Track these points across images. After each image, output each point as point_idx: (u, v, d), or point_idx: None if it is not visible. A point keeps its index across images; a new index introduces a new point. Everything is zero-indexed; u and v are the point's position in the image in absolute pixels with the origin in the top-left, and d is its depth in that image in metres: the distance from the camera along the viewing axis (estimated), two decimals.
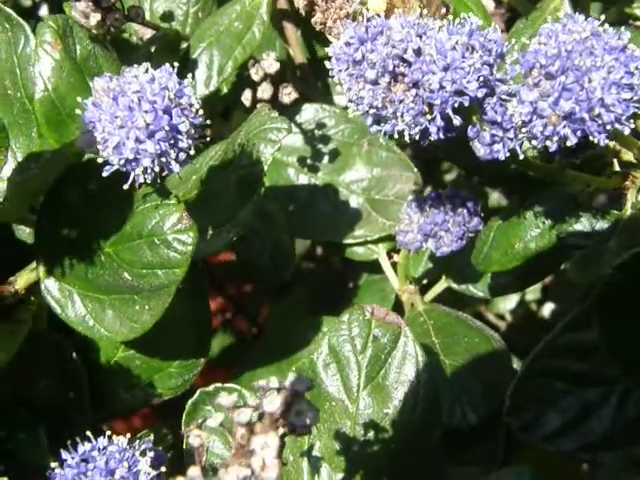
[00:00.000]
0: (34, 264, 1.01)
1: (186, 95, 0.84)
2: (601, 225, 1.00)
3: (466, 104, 0.81)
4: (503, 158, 0.85)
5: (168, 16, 1.35)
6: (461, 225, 1.13)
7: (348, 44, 0.82)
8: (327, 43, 0.91)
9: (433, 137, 0.83)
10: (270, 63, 1.34)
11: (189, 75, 0.88)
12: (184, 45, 1.29)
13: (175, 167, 0.84)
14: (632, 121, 0.76)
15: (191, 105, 0.84)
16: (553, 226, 1.02)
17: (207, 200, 1.03)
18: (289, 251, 1.40)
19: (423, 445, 0.96)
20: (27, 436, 1.04)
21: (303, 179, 1.41)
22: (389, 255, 1.39)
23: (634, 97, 0.74)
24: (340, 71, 0.83)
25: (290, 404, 0.63)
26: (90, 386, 1.09)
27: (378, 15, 0.84)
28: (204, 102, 0.86)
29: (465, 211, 1.14)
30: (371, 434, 0.93)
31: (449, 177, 1.84)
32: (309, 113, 1.40)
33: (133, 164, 0.83)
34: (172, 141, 0.82)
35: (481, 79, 0.80)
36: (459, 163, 1.24)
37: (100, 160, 0.85)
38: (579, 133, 0.76)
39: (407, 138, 0.84)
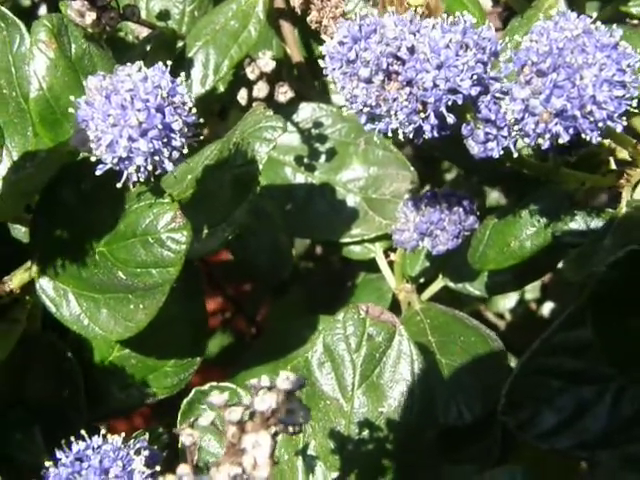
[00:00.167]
0: (29, 263, 1.01)
1: (179, 93, 0.84)
2: (596, 223, 0.99)
3: (460, 102, 0.81)
4: (497, 156, 0.85)
5: (164, 15, 1.35)
6: (457, 224, 1.13)
7: (342, 43, 0.82)
8: (324, 41, 0.91)
9: (427, 135, 0.83)
10: (266, 62, 1.34)
11: (184, 74, 0.88)
12: (180, 44, 1.29)
13: (168, 166, 0.84)
14: (624, 118, 0.76)
15: (184, 103, 0.84)
16: (548, 224, 1.02)
17: (202, 199, 1.03)
18: (286, 250, 1.40)
19: (418, 443, 0.96)
20: (22, 435, 1.04)
21: (300, 178, 1.41)
22: (386, 254, 1.39)
23: (626, 94, 0.74)
24: (334, 70, 0.83)
25: (281, 403, 0.63)
26: (85, 385, 1.09)
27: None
28: (200, 101, 0.86)
29: (461, 210, 1.14)
30: (366, 433, 0.93)
31: (449, 176, 1.84)
32: (306, 112, 1.40)
33: (126, 162, 0.83)
34: (165, 139, 0.82)
35: (475, 77, 0.80)
36: (455, 162, 1.24)
37: (93, 159, 0.85)
38: (571, 130, 0.76)
39: (401, 136, 0.84)
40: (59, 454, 0.85)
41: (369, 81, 0.81)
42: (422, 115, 0.82)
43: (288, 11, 1.36)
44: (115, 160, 0.83)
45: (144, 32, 1.31)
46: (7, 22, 1.06)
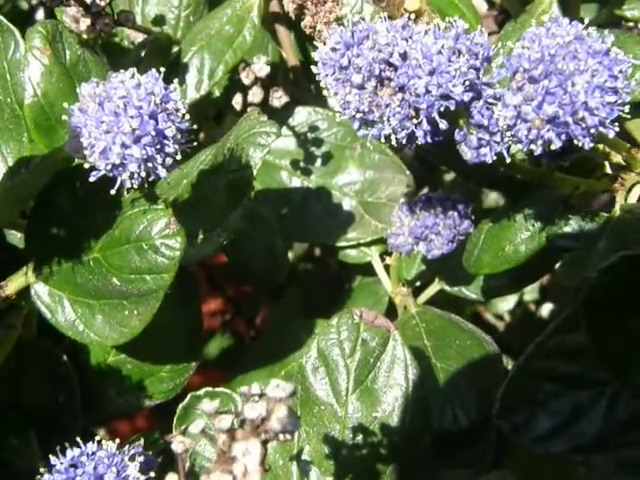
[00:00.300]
0: (24, 269, 1.01)
1: (172, 100, 0.84)
2: (590, 227, 0.99)
3: (452, 108, 0.81)
4: (490, 161, 0.85)
5: (160, 20, 1.35)
6: (452, 228, 1.14)
7: (334, 49, 0.82)
8: (318, 46, 0.91)
9: (420, 141, 0.84)
10: (260, 67, 1.34)
11: (177, 79, 0.88)
12: (175, 49, 1.29)
13: (162, 172, 0.84)
14: (616, 124, 0.76)
15: (177, 110, 0.84)
16: (543, 228, 1.02)
17: (197, 204, 1.04)
18: (282, 254, 1.40)
19: (413, 448, 0.96)
20: (19, 440, 1.04)
21: (296, 182, 1.41)
22: (382, 257, 1.39)
23: (618, 100, 0.74)
24: (327, 76, 0.83)
25: (271, 411, 0.63)
26: (81, 390, 1.09)
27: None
28: (195, 106, 0.86)
29: (456, 214, 1.14)
30: (360, 438, 0.94)
31: (449, 177, 1.84)
32: (302, 116, 1.40)
33: (120, 169, 0.83)
34: (158, 146, 0.83)
35: (467, 83, 0.80)
36: (450, 166, 1.24)
37: (87, 165, 0.85)
38: (563, 137, 0.76)
39: (394, 142, 0.84)
40: (54, 460, 0.85)
41: (362, 87, 0.82)
42: (415, 121, 0.82)
43: (284, 15, 1.36)
44: (109, 167, 0.83)
45: (139, 37, 1.31)
46: (2, 28, 1.07)
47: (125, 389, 1.11)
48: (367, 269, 1.45)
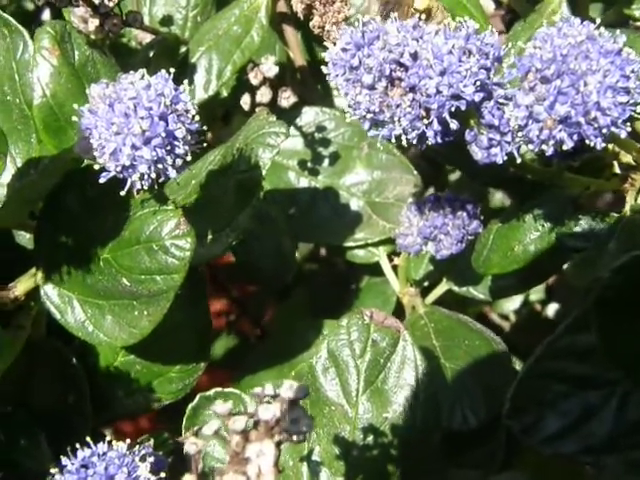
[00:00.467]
0: (34, 270, 1.01)
1: (182, 101, 0.84)
2: (600, 227, 0.99)
3: (463, 108, 0.81)
4: (501, 162, 0.85)
5: (167, 20, 1.35)
6: (460, 228, 1.13)
7: (344, 50, 0.82)
8: (327, 46, 0.91)
9: (430, 141, 0.83)
10: (269, 67, 1.34)
11: (187, 80, 0.88)
12: (183, 49, 1.29)
13: (172, 173, 0.84)
14: (628, 124, 0.75)
15: (187, 111, 0.84)
16: (552, 229, 1.02)
17: (206, 205, 1.03)
18: (290, 254, 1.40)
19: (423, 449, 0.96)
20: (28, 441, 1.04)
21: (303, 182, 1.41)
22: (390, 258, 1.39)
23: (630, 100, 0.74)
24: (337, 76, 0.83)
25: (285, 411, 0.63)
26: (90, 391, 1.09)
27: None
28: (203, 106, 0.86)
29: (464, 214, 1.14)
30: (370, 438, 0.93)
31: (454, 176, 1.84)
32: (309, 116, 1.40)
33: (130, 170, 0.83)
34: (168, 147, 0.82)
35: (478, 83, 0.80)
36: (458, 166, 1.24)
37: (97, 167, 0.85)
38: (575, 137, 0.76)
39: (404, 142, 0.84)
40: (64, 461, 0.85)
41: (372, 87, 0.81)
42: (425, 121, 0.82)
43: (291, 15, 1.36)
44: (119, 168, 0.83)
45: (147, 38, 1.31)
46: (10, 29, 1.07)
47: (134, 390, 1.11)
48: (374, 269, 1.45)
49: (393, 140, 0.84)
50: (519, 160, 0.84)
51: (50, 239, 0.99)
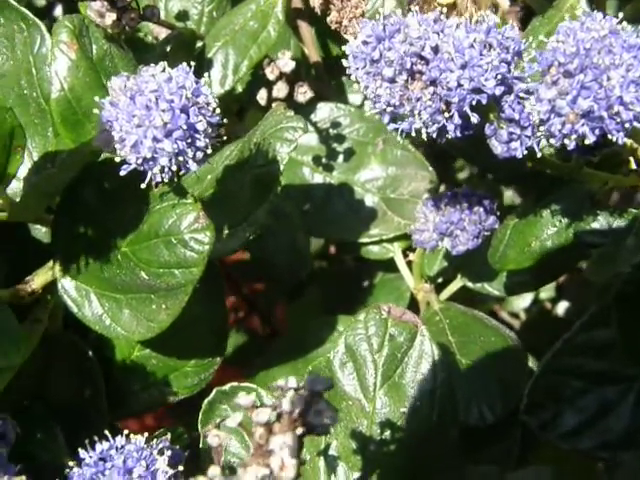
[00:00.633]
0: (51, 263, 1.01)
1: (203, 94, 0.84)
2: (618, 223, 0.99)
3: (484, 102, 0.81)
4: (520, 156, 0.85)
5: (183, 15, 1.35)
6: (477, 224, 1.13)
7: (365, 42, 0.82)
8: (341, 42, 0.91)
9: (450, 135, 0.83)
10: (285, 62, 1.34)
11: (207, 74, 0.88)
12: (199, 44, 1.29)
13: (192, 166, 0.84)
14: None
15: (208, 104, 0.84)
16: (570, 224, 1.02)
17: (223, 199, 1.03)
18: (304, 250, 1.40)
19: (440, 444, 0.95)
20: (44, 435, 1.04)
21: (318, 178, 1.41)
22: (404, 254, 1.39)
23: None
24: (357, 69, 0.83)
25: (309, 404, 0.63)
26: (106, 385, 1.09)
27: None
28: (219, 101, 0.86)
29: (481, 209, 1.13)
30: (388, 433, 0.93)
31: (462, 175, 1.84)
32: (324, 112, 1.40)
33: (150, 163, 0.83)
34: (189, 140, 0.82)
35: (499, 77, 0.80)
36: (474, 161, 1.24)
37: (117, 159, 0.85)
38: (597, 131, 0.75)
39: (424, 136, 0.83)
40: (82, 454, 0.85)
41: (393, 81, 0.81)
42: (446, 115, 0.82)
43: (306, 11, 1.36)
44: (139, 160, 0.83)
45: (163, 33, 1.31)
46: (28, 23, 1.07)
47: (150, 384, 1.11)
48: (388, 265, 1.44)
49: (413, 134, 0.84)
50: (539, 154, 0.84)
51: (67, 232, 0.99)
